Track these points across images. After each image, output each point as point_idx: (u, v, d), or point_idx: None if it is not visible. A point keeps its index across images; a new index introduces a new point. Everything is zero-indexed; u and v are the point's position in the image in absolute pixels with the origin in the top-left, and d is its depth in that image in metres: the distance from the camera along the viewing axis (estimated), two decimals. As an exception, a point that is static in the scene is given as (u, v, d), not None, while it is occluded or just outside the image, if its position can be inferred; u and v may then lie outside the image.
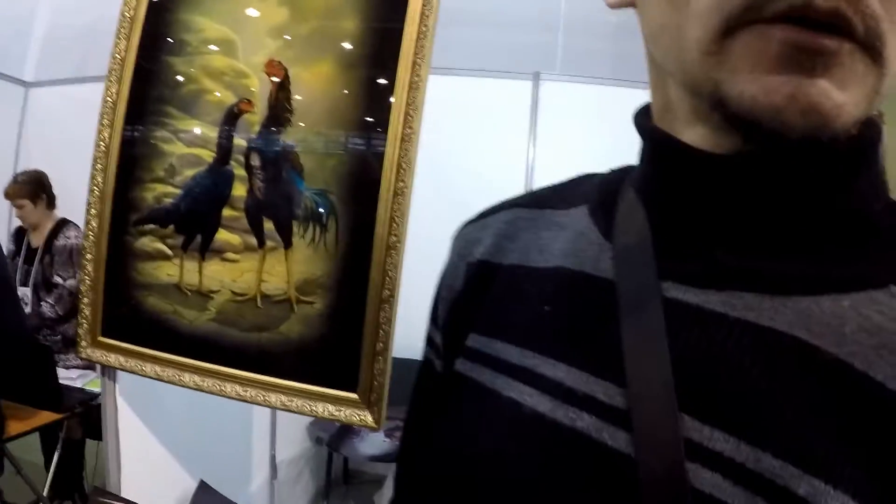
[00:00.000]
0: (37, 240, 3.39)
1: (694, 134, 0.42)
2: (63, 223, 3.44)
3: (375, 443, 3.02)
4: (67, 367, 3.04)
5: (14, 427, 2.50)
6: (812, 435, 0.36)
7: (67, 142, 4.61)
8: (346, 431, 3.07)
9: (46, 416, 2.65)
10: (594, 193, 0.53)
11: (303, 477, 3.20)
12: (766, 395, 0.37)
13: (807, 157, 0.38)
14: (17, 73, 4.99)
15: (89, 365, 3.30)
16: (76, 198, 4.00)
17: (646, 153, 0.48)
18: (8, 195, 3.34)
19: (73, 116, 4.68)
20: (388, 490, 3.24)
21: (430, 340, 0.61)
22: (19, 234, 3.47)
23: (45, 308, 3.21)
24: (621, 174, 0.53)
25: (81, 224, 3.75)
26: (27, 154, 4.86)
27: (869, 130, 0.40)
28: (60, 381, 2.73)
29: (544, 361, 0.46)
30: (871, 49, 0.34)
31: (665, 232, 0.44)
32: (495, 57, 3.36)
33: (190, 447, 2.01)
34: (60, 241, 3.34)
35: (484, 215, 0.61)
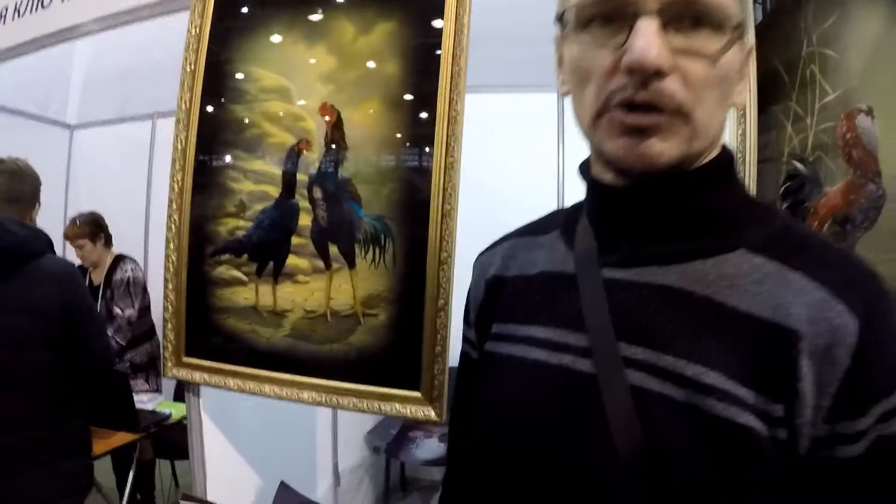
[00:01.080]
0: (98, 277, 3.60)
1: (606, 174, 0.70)
2: (119, 258, 3.65)
3: (431, 448, 3.16)
4: (137, 392, 3.25)
5: (96, 448, 2.70)
6: (694, 341, 0.63)
7: (111, 179, 4.87)
8: (402, 439, 3.23)
9: (122, 437, 2.84)
10: (562, 221, 0.82)
11: (363, 484, 3.36)
12: (665, 323, 0.65)
13: (676, 181, 0.65)
14: (61, 116, 5.21)
15: (157, 389, 3.53)
16: (122, 231, 4.26)
17: (587, 188, 0.77)
18: (68, 236, 3.56)
19: (115, 155, 4.92)
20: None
21: (465, 338, 0.91)
22: (83, 273, 3.69)
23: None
24: (580, 204, 0.81)
25: (138, 257, 4.02)
26: (75, 193, 5.07)
27: (722, 156, 0.69)
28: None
29: (539, 329, 0.74)
30: (681, 115, 0.61)
31: (601, 238, 0.73)
32: (520, 72, 3.48)
33: (262, 457, 2.19)
34: (118, 275, 3.54)
35: (492, 246, 0.90)
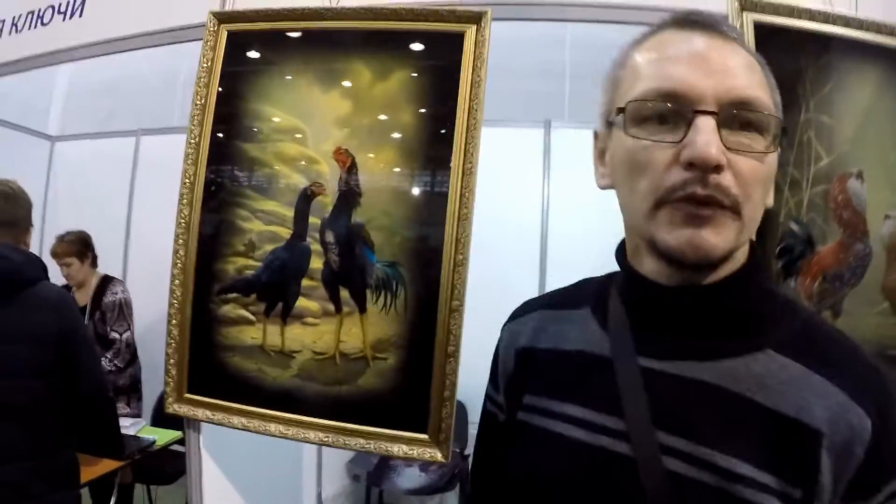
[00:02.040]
0: (83, 297, 3.53)
1: (649, 264, 0.74)
2: (107, 280, 3.60)
3: (412, 477, 3.16)
4: (119, 417, 3.21)
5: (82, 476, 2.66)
6: (726, 434, 0.68)
7: (92, 194, 4.81)
8: (383, 467, 3.23)
9: (107, 465, 2.79)
10: (592, 297, 0.86)
11: (344, 511, 3.38)
12: (698, 415, 0.70)
13: (714, 284, 0.71)
14: (42, 127, 5.14)
15: (138, 413, 3.49)
16: (101, 248, 4.21)
17: (623, 276, 0.80)
18: (55, 254, 3.48)
19: (97, 169, 4.86)
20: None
21: (492, 400, 0.95)
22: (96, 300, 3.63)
23: (105, 363, 3.37)
24: (608, 279, 0.86)
25: (116, 274, 3.97)
26: (54, 206, 5.01)
27: (753, 257, 0.75)
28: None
29: (575, 408, 0.78)
30: (734, 210, 0.67)
31: (638, 326, 0.77)
32: (509, 107, 3.54)
33: (251, 486, 2.19)
34: (109, 298, 3.49)
35: (521, 314, 0.94)
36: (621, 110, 0.71)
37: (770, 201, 0.73)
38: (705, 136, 0.65)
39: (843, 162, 1.64)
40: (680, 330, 0.74)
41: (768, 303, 0.76)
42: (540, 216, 3.71)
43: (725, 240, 0.67)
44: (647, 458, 0.70)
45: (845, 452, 0.66)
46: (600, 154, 0.80)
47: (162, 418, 3.24)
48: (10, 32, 2.82)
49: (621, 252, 0.81)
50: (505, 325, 0.95)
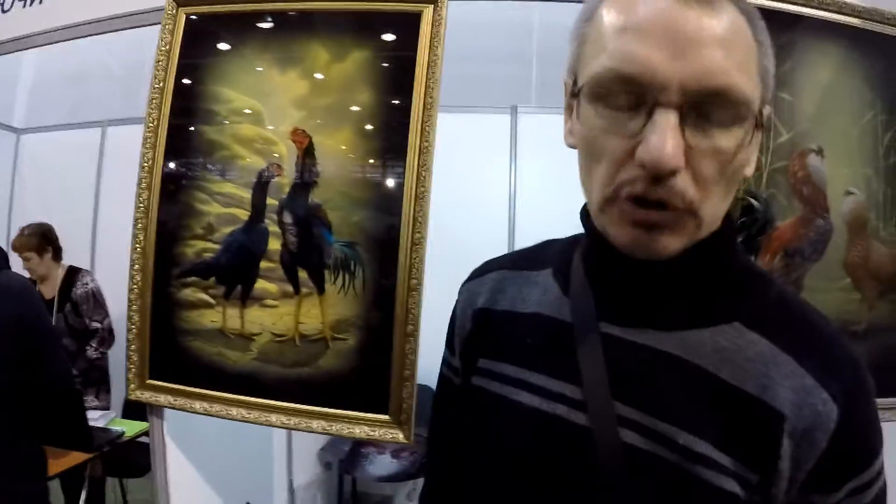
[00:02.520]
0: (48, 291, 3.50)
1: None
2: (74, 272, 3.57)
3: (384, 464, 3.16)
4: (87, 409, 3.18)
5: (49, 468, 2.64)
6: (687, 410, 0.66)
7: (59, 186, 4.76)
8: (355, 455, 3.24)
9: (75, 457, 2.78)
10: (555, 259, 0.83)
11: (317, 500, 3.37)
12: (659, 387, 0.67)
13: (682, 255, 0.66)
14: (7, 119, 5.08)
15: (107, 405, 3.47)
16: (68, 239, 4.18)
17: (587, 240, 0.77)
18: (15, 248, 3.44)
19: (64, 161, 4.81)
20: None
21: (447, 363, 0.91)
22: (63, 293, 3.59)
23: (91, 352, 3.37)
24: (573, 242, 0.82)
25: (84, 265, 3.94)
26: (21, 199, 4.95)
27: (724, 228, 0.69)
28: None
29: (532, 374, 0.75)
30: (689, 211, 0.62)
31: (600, 292, 0.74)
32: (474, 92, 3.52)
33: (221, 475, 2.18)
34: (80, 290, 3.47)
35: (480, 274, 0.90)
36: (583, 86, 0.65)
37: (748, 171, 0.68)
38: (660, 137, 0.58)
39: (803, 138, 1.65)
40: (644, 297, 0.71)
41: (739, 274, 0.73)
42: (507, 203, 3.68)
43: (679, 240, 0.64)
44: (603, 429, 0.68)
45: (807, 439, 0.63)
46: (568, 107, 0.72)
47: (132, 410, 3.23)
48: (-31, 21, 2.78)
49: (585, 213, 0.75)
50: (463, 284, 0.91)
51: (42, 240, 3.49)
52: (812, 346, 0.67)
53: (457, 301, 0.91)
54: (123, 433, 3.08)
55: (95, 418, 3.14)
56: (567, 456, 0.70)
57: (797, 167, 1.64)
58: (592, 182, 0.67)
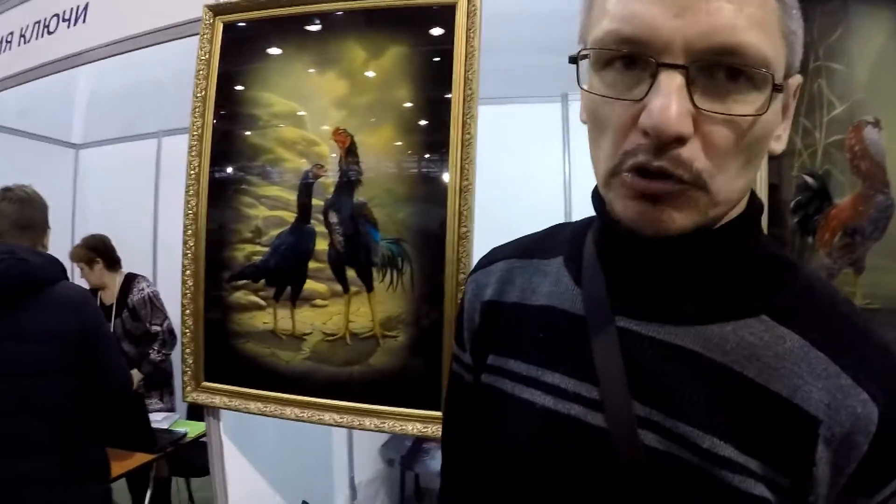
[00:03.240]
0: (108, 298, 3.63)
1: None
2: (131, 279, 3.67)
3: (445, 460, 3.17)
4: (151, 411, 3.27)
5: (113, 469, 2.71)
6: (710, 410, 0.60)
7: (118, 198, 4.90)
8: (417, 451, 3.25)
9: (139, 458, 2.85)
10: (566, 246, 0.77)
11: (379, 497, 3.37)
12: (680, 386, 0.62)
13: (698, 238, 0.60)
14: (66, 136, 5.24)
15: (171, 408, 3.55)
16: (131, 249, 4.29)
17: (598, 224, 0.72)
18: (71, 258, 3.59)
19: (121, 173, 4.95)
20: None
21: (457, 359, 0.86)
22: (93, 294, 3.70)
23: (154, 355, 3.46)
24: (585, 226, 0.77)
25: (147, 273, 4.05)
26: (82, 213, 5.11)
27: (748, 212, 0.65)
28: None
29: (545, 372, 0.70)
30: (698, 184, 0.56)
31: (615, 281, 0.68)
32: (523, 83, 3.49)
33: (281, 475, 2.21)
34: (136, 296, 3.57)
35: (487, 263, 0.84)
36: (587, 53, 0.61)
37: (777, 146, 0.62)
38: (663, 100, 0.53)
39: (859, 110, 1.56)
40: (662, 287, 0.65)
41: (765, 261, 0.67)
42: (563, 192, 3.66)
43: (688, 216, 0.58)
44: (622, 431, 0.63)
45: (846, 444, 0.57)
46: (580, 83, 0.66)
47: (196, 411, 3.31)
48: (20, 43, 2.88)
49: (597, 194, 0.69)
50: (470, 275, 0.86)
51: (90, 251, 3.62)
52: (846, 342, 0.61)
53: (464, 293, 0.86)
54: (186, 434, 3.14)
55: (159, 420, 3.23)
56: (583, 459, 0.65)
57: (853, 141, 1.56)
58: (598, 155, 0.62)
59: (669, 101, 0.53)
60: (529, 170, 3.60)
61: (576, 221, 0.81)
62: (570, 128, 3.69)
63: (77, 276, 3.63)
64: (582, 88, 0.64)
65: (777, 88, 0.56)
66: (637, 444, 0.62)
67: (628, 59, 0.57)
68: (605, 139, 0.60)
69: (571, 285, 0.73)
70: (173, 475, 3.50)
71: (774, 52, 0.56)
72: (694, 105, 0.54)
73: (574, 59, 0.62)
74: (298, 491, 2.31)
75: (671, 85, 0.54)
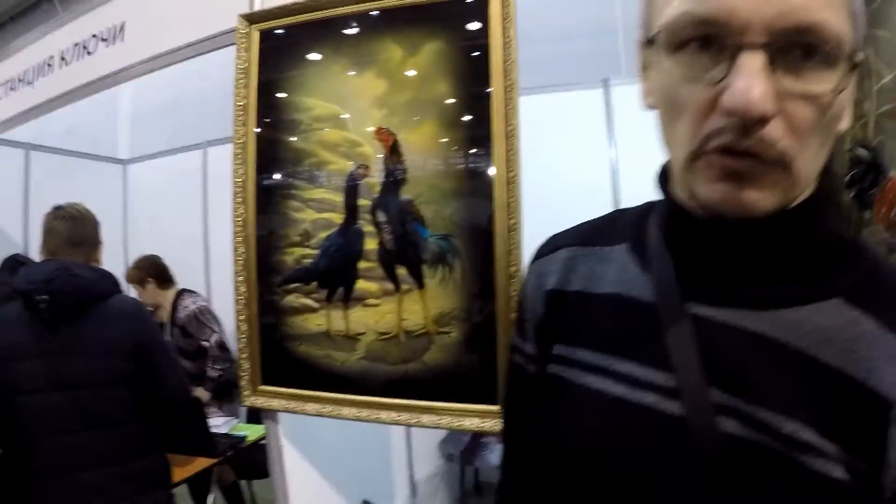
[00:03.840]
0: (164, 316, 3.72)
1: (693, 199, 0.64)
2: (180, 295, 3.74)
3: (504, 453, 3.17)
4: (211, 416, 3.33)
5: (174, 476, 2.76)
6: (787, 395, 0.60)
7: (167, 210, 5.00)
8: (476, 445, 3.25)
9: (200, 463, 2.90)
10: (629, 232, 0.77)
11: (439, 492, 3.39)
12: (757, 372, 0.61)
13: (773, 221, 0.61)
14: (113, 152, 5.36)
15: (233, 413, 3.61)
16: (182, 261, 4.37)
17: (665, 209, 0.72)
18: (125, 280, 3.70)
19: (169, 185, 5.05)
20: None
21: (518, 350, 0.85)
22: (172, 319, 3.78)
23: (210, 372, 3.50)
24: (646, 211, 0.77)
25: (200, 284, 4.12)
26: (134, 227, 5.22)
27: (820, 192, 0.65)
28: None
29: (615, 361, 0.70)
30: (782, 164, 0.57)
31: (685, 267, 0.68)
32: (563, 70, 3.46)
33: (341, 474, 2.23)
34: (181, 314, 3.65)
35: (548, 252, 0.84)
36: (656, 35, 0.61)
37: (844, 125, 0.62)
38: (747, 80, 0.53)
39: (909, 77, 1.52)
40: (734, 272, 0.65)
41: (836, 242, 0.67)
42: (610, 179, 3.62)
43: (771, 196, 0.58)
44: (700, 418, 0.62)
45: None
46: (644, 67, 0.68)
47: (255, 414, 3.36)
48: (60, 66, 2.96)
49: (663, 178, 0.71)
50: (531, 264, 0.85)
51: (140, 272, 3.73)
52: None
53: (525, 282, 0.85)
54: (246, 437, 3.19)
55: (219, 425, 3.28)
56: (658, 448, 0.64)
57: (908, 108, 1.51)
58: (675, 139, 0.62)
59: (752, 81, 0.53)
60: (574, 157, 3.57)
61: (634, 207, 0.81)
62: (613, 113, 3.65)
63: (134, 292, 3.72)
64: (660, 72, 0.63)
65: (853, 66, 0.57)
66: (715, 430, 0.61)
67: (703, 40, 0.57)
68: (682, 122, 0.60)
69: (639, 272, 0.72)
70: (242, 478, 3.56)
71: (844, 28, 0.56)
72: (775, 85, 0.55)
73: (650, 41, 0.63)
74: (359, 490, 2.33)
75: (753, 65, 0.54)
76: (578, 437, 0.71)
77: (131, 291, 3.74)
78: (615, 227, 0.80)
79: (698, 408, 0.62)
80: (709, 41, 0.57)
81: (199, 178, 4.85)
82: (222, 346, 3.56)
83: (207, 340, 3.58)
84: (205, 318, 3.63)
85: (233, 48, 1.93)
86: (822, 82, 0.56)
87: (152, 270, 3.76)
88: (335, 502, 2.19)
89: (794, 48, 0.55)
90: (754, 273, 0.64)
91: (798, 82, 0.55)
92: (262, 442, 3.29)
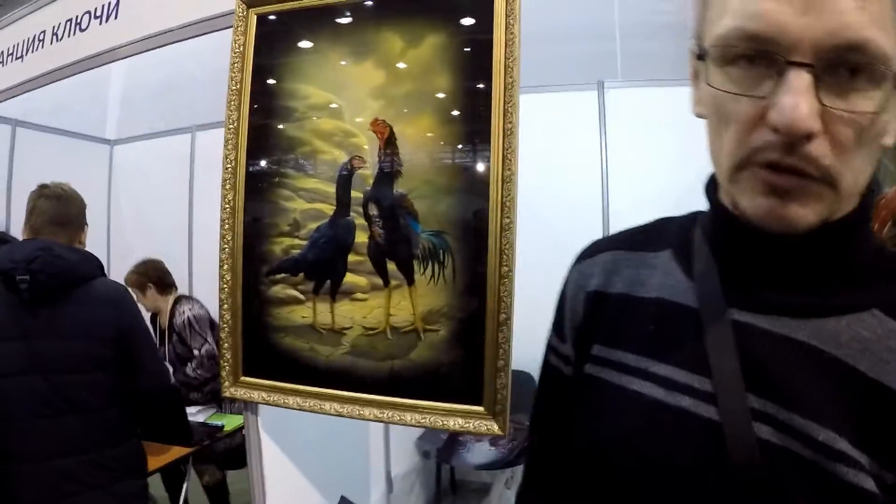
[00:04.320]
0: (164, 321, 3.69)
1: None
2: (177, 301, 3.70)
3: (482, 452, 3.14)
4: (189, 405, 3.28)
5: (150, 464, 2.71)
6: (824, 404, 0.60)
7: (153, 193, 4.94)
8: (453, 443, 3.22)
9: (176, 452, 2.83)
10: (674, 239, 0.77)
11: (415, 489, 3.37)
12: (795, 379, 0.62)
13: (818, 233, 0.61)
14: (100, 132, 5.27)
15: (210, 402, 3.56)
16: (166, 245, 4.32)
17: (712, 216, 0.72)
18: (125, 283, 3.58)
19: (156, 169, 4.98)
20: (494, 497, 3.38)
21: (555, 351, 0.85)
22: (153, 319, 3.74)
23: (189, 370, 3.45)
24: (691, 220, 0.77)
25: (182, 269, 4.08)
26: (117, 208, 5.15)
27: (862, 205, 0.65)
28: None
29: (654, 364, 0.70)
30: (826, 180, 0.57)
31: (728, 274, 0.68)
32: (558, 71, 3.44)
33: (318, 468, 2.19)
34: (177, 319, 3.60)
35: (591, 254, 0.84)
36: (708, 50, 0.62)
37: (890, 141, 0.62)
38: (793, 98, 0.54)
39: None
40: (777, 280, 0.65)
41: (875, 255, 0.68)
42: (600, 183, 3.58)
43: (815, 212, 0.59)
44: (736, 423, 0.62)
45: None
46: (694, 76, 0.69)
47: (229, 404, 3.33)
48: (52, 42, 2.90)
49: (712, 186, 0.72)
50: (573, 265, 0.86)
51: (141, 277, 3.66)
52: None
53: (565, 283, 0.85)
54: (223, 427, 3.15)
55: (194, 413, 3.23)
56: (693, 451, 0.65)
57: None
58: (721, 149, 0.62)
59: (799, 99, 0.54)
60: (565, 159, 3.54)
61: (681, 216, 0.81)
62: (606, 116, 3.62)
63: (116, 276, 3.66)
64: (710, 84, 0.63)
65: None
66: (751, 436, 0.61)
67: (752, 55, 0.58)
68: (728, 134, 0.61)
69: (683, 278, 0.73)
70: (228, 469, 3.53)
71: (892, 47, 0.56)
72: (821, 103, 0.55)
73: (700, 57, 0.64)
74: (335, 484, 2.30)
75: (800, 83, 0.54)
76: (613, 437, 0.71)
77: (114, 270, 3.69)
78: (660, 234, 0.81)
79: (735, 413, 0.63)
80: (758, 57, 0.57)
81: (186, 162, 4.79)
82: (212, 356, 3.49)
83: (199, 349, 3.53)
84: (198, 325, 3.57)
85: (229, 31, 1.89)
86: (867, 100, 0.56)
87: (153, 275, 3.70)
88: (311, 495, 2.16)
89: (841, 66, 0.55)
90: (795, 281, 0.65)
91: (844, 101, 0.56)
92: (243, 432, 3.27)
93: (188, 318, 3.57)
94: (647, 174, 3.41)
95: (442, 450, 3.29)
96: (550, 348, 0.86)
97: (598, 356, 0.76)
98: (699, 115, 0.68)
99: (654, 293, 0.74)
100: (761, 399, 0.62)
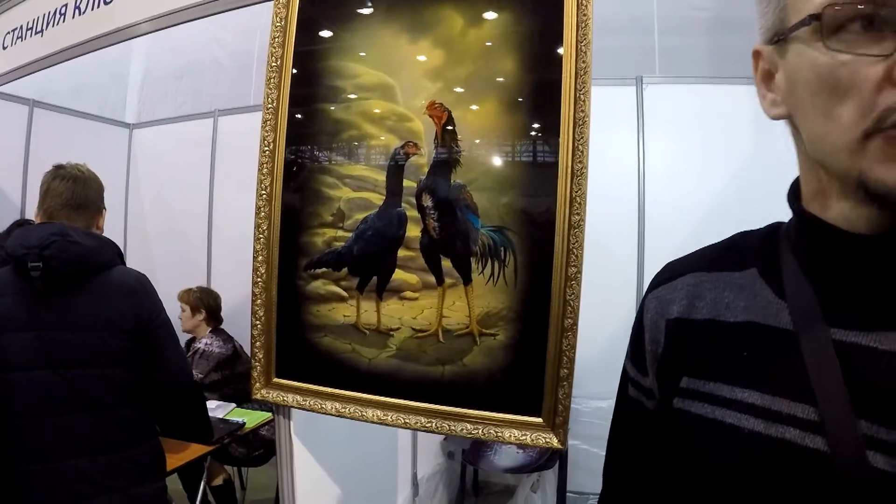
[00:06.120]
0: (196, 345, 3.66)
1: (840, 209, 0.60)
2: (211, 333, 3.68)
3: (510, 455, 3.06)
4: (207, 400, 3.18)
5: (169, 462, 2.59)
6: None
7: (172, 178, 4.87)
8: (480, 446, 3.13)
9: (195, 450, 2.72)
10: (757, 256, 0.71)
11: (438, 491, 3.29)
12: None
13: None
14: (120, 116, 5.22)
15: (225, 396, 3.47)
16: (184, 229, 4.24)
17: (799, 227, 0.67)
18: (179, 297, 3.66)
19: (176, 153, 4.92)
20: (520, 500, 3.30)
21: (635, 384, 0.79)
22: (188, 345, 3.70)
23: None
24: (772, 232, 0.72)
25: (201, 256, 4.01)
26: (136, 192, 5.09)
27: None
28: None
29: (751, 394, 0.64)
30: None
31: (825, 290, 0.62)
32: (597, 64, 3.34)
33: (345, 469, 2.09)
34: (196, 345, 3.61)
35: (669, 279, 0.78)
36: (814, 17, 0.56)
37: None
38: None
39: None
40: (880, 291, 0.59)
41: None
42: (636, 179, 3.54)
43: None
44: (848, 453, 0.56)
45: None
46: (765, 77, 0.65)
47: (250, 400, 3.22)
48: (74, 15, 2.79)
49: (796, 195, 0.67)
50: (648, 292, 0.79)
51: (199, 302, 3.70)
52: None
53: (642, 311, 0.79)
54: (244, 424, 3.04)
55: (213, 408, 3.12)
56: (801, 486, 0.59)
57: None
58: (835, 125, 0.56)
59: None
60: (601, 156, 3.42)
61: (759, 229, 0.76)
62: (644, 111, 3.55)
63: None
64: (814, 59, 0.58)
65: None
66: (865, 466, 0.56)
67: (866, 20, 0.54)
68: (845, 105, 0.55)
69: (773, 298, 0.67)
70: (250, 466, 3.48)
71: None
72: None
73: (779, 38, 0.61)
74: (363, 486, 2.21)
75: None
76: (711, 475, 0.66)
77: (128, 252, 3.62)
78: (740, 251, 0.75)
79: (846, 441, 0.57)
80: (870, 21, 0.54)
81: (207, 147, 4.71)
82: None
83: (201, 374, 3.51)
84: (205, 359, 3.53)
85: (258, 17, 1.77)
86: None
87: (211, 304, 3.73)
88: (339, 496, 2.05)
89: None
90: None
91: None
92: (262, 431, 3.17)
93: (200, 349, 3.57)
94: (684, 170, 3.39)
95: (468, 451, 3.21)
96: (629, 380, 0.81)
97: (688, 388, 0.70)
98: (777, 117, 0.64)
99: (742, 316, 0.68)
100: (874, 424, 0.56)
